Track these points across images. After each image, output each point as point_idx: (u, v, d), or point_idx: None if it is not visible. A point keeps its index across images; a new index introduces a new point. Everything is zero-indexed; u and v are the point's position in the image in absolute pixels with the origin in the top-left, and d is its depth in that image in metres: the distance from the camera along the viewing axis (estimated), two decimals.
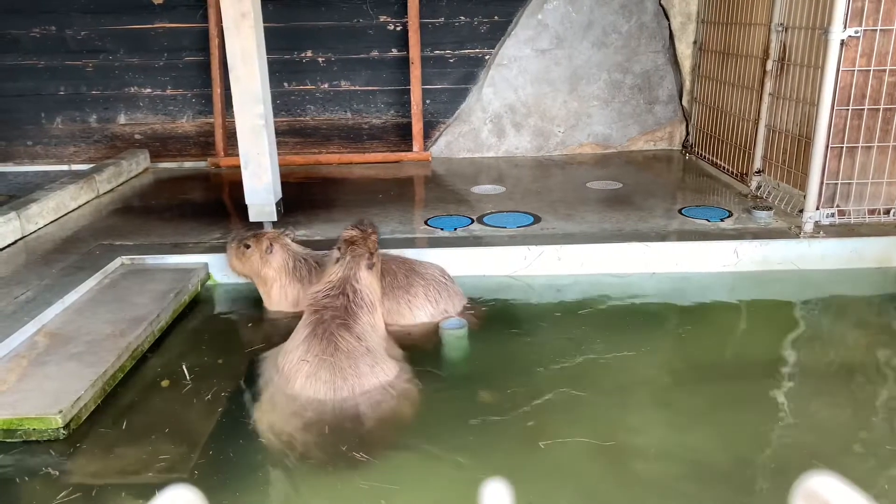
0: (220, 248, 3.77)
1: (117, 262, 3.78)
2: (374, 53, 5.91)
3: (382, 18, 5.82)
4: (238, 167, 4.19)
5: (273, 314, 3.48)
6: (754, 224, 4.07)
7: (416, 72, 5.82)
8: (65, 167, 6.02)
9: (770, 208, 4.16)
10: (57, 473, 2.32)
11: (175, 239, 4.10)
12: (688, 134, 6.01)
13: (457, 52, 5.90)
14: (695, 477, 2.27)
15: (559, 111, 6.02)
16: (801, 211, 3.93)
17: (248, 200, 4.07)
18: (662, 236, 3.94)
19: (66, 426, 2.48)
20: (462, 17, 5.82)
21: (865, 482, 2.22)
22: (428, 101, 5.99)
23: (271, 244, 3.46)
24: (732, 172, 5.04)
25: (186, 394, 2.77)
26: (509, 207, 4.55)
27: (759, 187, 4.62)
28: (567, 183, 5.17)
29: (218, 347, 3.16)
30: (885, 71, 3.75)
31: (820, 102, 3.72)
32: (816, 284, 3.70)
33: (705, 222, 4.14)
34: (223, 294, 3.75)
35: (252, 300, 3.60)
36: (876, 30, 3.67)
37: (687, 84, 5.88)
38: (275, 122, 4.29)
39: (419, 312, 3.31)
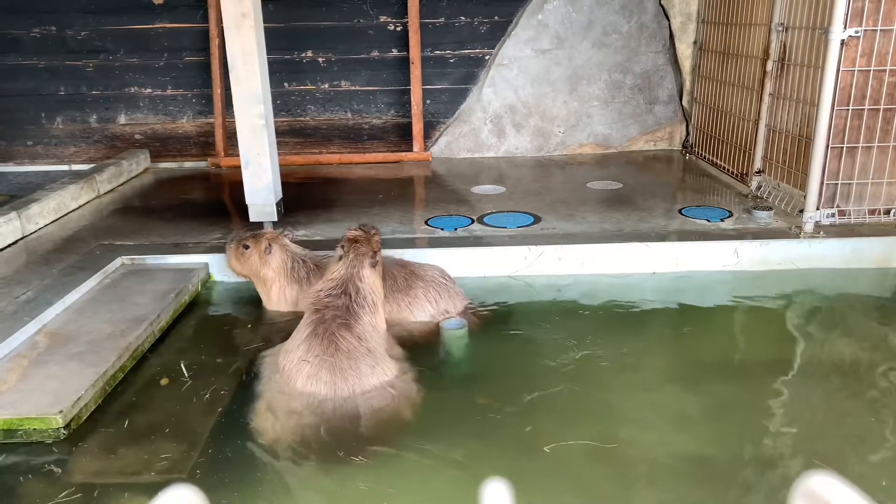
0: (220, 249, 3.77)
1: (118, 262, 3.78)
2: (375, 53, 5.91)
3: (383, 18, 5.82)
4: (238, 167, 4.19)
5: (273, 314, 3.48)
6: (754, 224, 4.07)
7: (416, 72, 5.82)
8: (65, 167, 6.03)
9: (770, 208, 4.16)
10: (57, 473, 2.32)
11: (175, 239, 4.10)
12: (688, 134, 6.01)
13: (457, 52, 5.90)
14: (695, 477, 2.27)
15: (559, 111, 6.02)
16: (802, 211, 3.93)
17: (248, 200, 4.07)
18: (663, 236, 3.94)
19: (67, 426, 2.49)
20: (462, 18, 5.83)
21: (865, 482, 2.22)
22: (428, 102, 5.99)
23: (270, 244, 3.46)
24: (733, 172, 5.04)
25: (187, 393, 2.77)
26: (509, 207, 4.56)
27: (759, 187, 4.62)
28: (567, 183, 5.17)
29: (218, 347, 3.16)
30: (885, 71, 3.75)
31: (820, 102, 3.72)
32: (816, 284, 3.70)
33: (705, 222, 4.14)
34: (223, 294, 3.75)
35: (252, 300, 3.60)
36: (876, 30, 3.68)
37: (687, 84, 5.88)
38: (275, 122, 4.30)
39: (420, 314, 3.31)
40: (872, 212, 4.00)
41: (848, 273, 3.78)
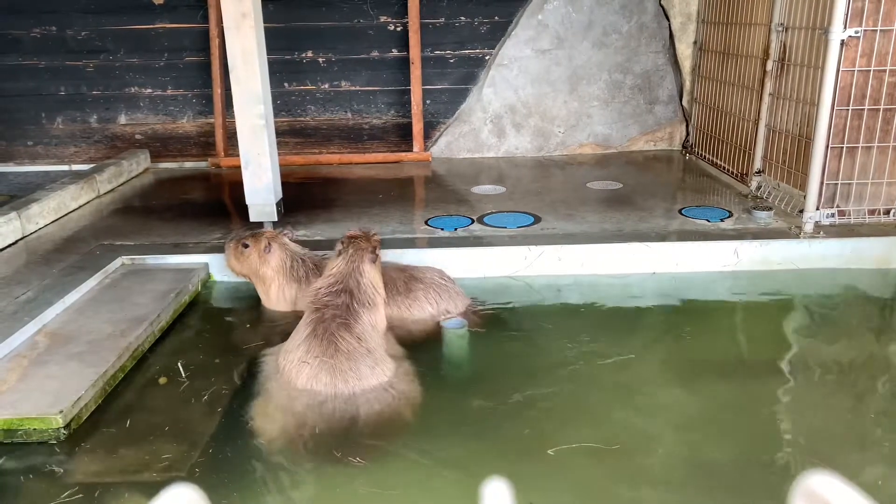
0: (220, 249, 3.77)
1: (118, 262, 3.78)
2: (375, 54, 5.91)
3: (383, 19, 5.82)
4: (238, 167, 4.19)
5: (273, 314, 3.48)
6: (754, 224, 4.07)
7: (416, 72, 5.82)
8: (65, 167, 6.03)
9: (770, 208, 4.16)
10: (58, 473, 2.32)
11: (175, 239, 4.10)
12: (688, 134, 6.01)
13: (457, 52, 5.91)
14: (695, 477, 2.27)
15: (559, 111, 6.03)
16: (802, 211, 3.93)
17: (248, 200, 4.07)
18: (663, 236, 3.94)
19: (67, 426, 2.49)
20: (462, 18, 5.83)
21: (865, 481, 2.22)
22: (428, 102, 5.99)
23: (269, 243, 3.46)
24: (732, 173, 5.04)
25: (187, 393, 2.77)
26: (509, 207, 4.56)
27: (759, 187, 4.62)
28: (567, 183, 5.17)
29: (218, 347, 3.16)
30: (885, 71, 3.75)
31: (820, 102, 3.72)
32: (816, 285, 3.70)
33: (705, 222, 4.14)
34: (223, 294, 3.75)
35: (252, 300, 3.60)
36: (876, 30, 3.68)
37: (687, 84, 5.88)
38: (275, 123, 4.30)
39: (421, 315, 3.31)
40: (872, 212, 4.00)
41: (848, 273, 3.78)
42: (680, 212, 4.37)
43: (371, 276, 3.05)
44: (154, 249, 3.93)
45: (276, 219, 4.08)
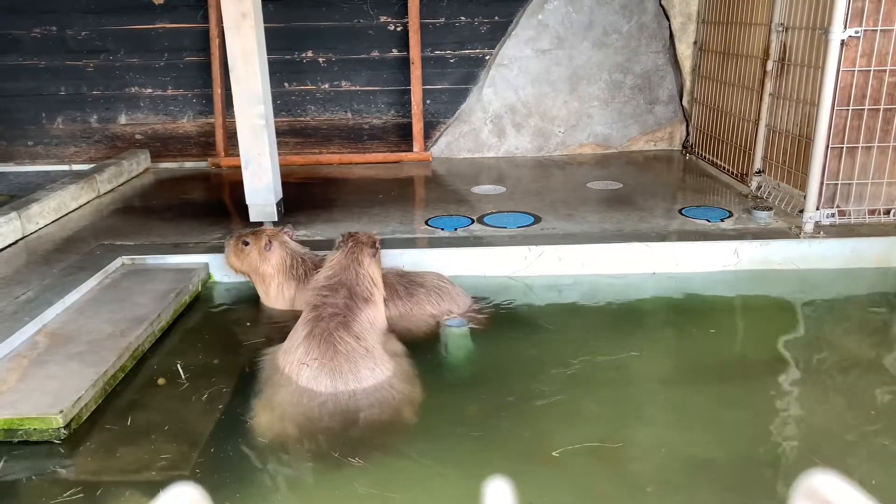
0: (220, 248, 3.77)
1: (118, 261, 3.78)
2: (375, 54, 5.91)
3: (383, 19, 5.82)
4: (239, 167, 4.19)
5: (273, 313, 3.48)
6: (754, 224, 4.07)
7: (416, 72, 5.82)
8: (65, 167, 6.03)
9: (770, 208, 4.16)
10: (58, 473, 2.32)
11: (176, 239, 4.10)
12: (688, 134, 6.01)
13: (457, 52, 5.91)
14: (696, 477, 2.27)
15: (559, 111, 6.03)
16: (802, 211, 3.93)
17: (248, 200, 4.08)
18: (663, 236, 3.94)
19: (67, 426, 2.49)
20: (462, 18, 5.83)
21: (865, 481, 2.22)
22: (428, 102, 5.99)
23: (270, 241, 3.46)
24: (733, 173, 5.04)
25: (187, 393, 2.77)
26: (510, 207, 4.56)
27: (759, 187, 4.62)
28: (567, 183, 5.17)
29: (218, 347, 3.16)
30: (885, 71, 3.75)
31: (820, 103, 3.72)
32: (816, 285, 3.70)
33: (706, 222, 4.14)
34: (224, 294, 3.75)
35: (252, 300, 3.60)
36: (876, 30, 3.68)
37: (687, 84, 5.88)
38: (275, 123, 4.30)
39: (424, 317, 3.32)
40: (872, 212, 4.00)
41: (848, 273, 3.78)
42: (680, 212, 4.37)
43: (370, 270, 3.04)
44: (154, 249, 3.93)
45: (276, 219, 4.08)
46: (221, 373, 2.91)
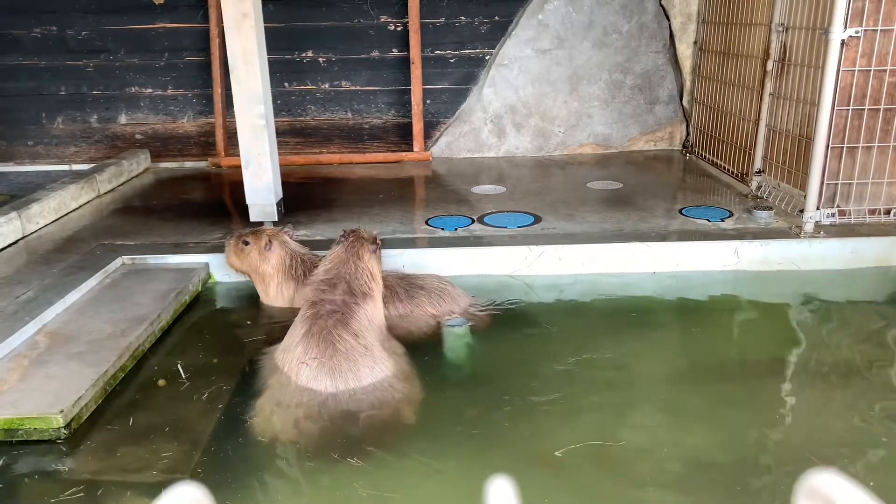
0: (220, 248, 3.77)
1: (118, 261, 3.78)
2: (375, 53, 5.91)
3: (383, 19, 5.82)
4: (239, 167, 4.20)
5: (273, 313, 3.48)
6: (755, 224, 4.07)
7: (416, 72, 5.82)
8: (66, 167, 6.03)
9: (770, 208, 4.16)
10: (59, 473, 2.32)
11: (176, 239, 4.10)
12: (688, 134, 6.01)
13: (457, 52, 5.91)
14: (697, 477, 2.27)
15: (560, 111, 6.03)
16: (802, 211, 3.93)
17: (248, 200, 4.08)
18: (663, 236, 3.94)
19: (68, 426, 2.49)
20: (463, 18, 5.83)
21: (865, 481, 2.22)
22: (428, 101, 5.99)
23: (270, 241, 3.46)
24: (733, 172, 5.04)
25: (188, 393, 2.77)
26: (510, 207, 4.56)
27: (759, 187, 4.62)
28: (567, 183, 5.17)
29: (219, 347, 3.16)
30: (885, 71, 3.75)
31: (820, 102, 3.72)
32: (817, 284, 3.70)
33: (706, 222, 4.14)
34: (224, 294, 3.75)
35: (253, 299, 3.61)
36: (876, 30, 3.68)
37: (687, 84, 5.88)
38: (275, 122, 4.30)
39: (426, 319, 3.32)
40: (873, 212, 4.00)
41: (848, 273, 3.78)
42: (680, 212, 4.37)
43: (369, 264, 3.04)
44: (154, 249, 3.93)
45: (276, 219, 4.08)
46: (222, 372, 2.91)
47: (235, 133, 3.98)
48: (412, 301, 3.34)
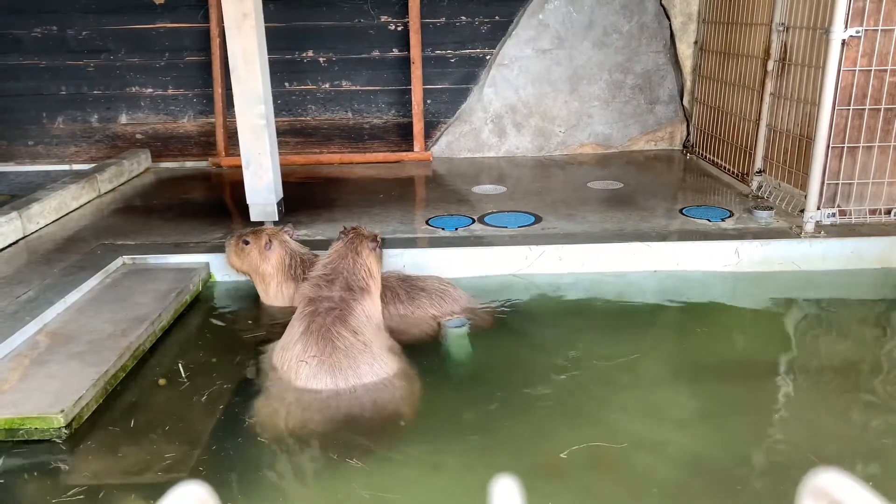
0: (221, 248, 3.77)
1: (119, 261, 3.78)
2: (376, 53, 5.91)
3: (383, 18, 5.82)
4: (239, 167, 4.20)
5: (274, 313, 3.48)
6: (755, 224, 4.07)
7: (417, 72, 5.82)
8: (66, 167, 6.03)
9: (771, 208, 4.16)
10: (59, 473, 2.32)
11: (176, 238, 4.10)
12: (689, 134, 6.01)
13: (458, 51, 5.90)
14: (696, 477, 2.27)
15: (560, 111, 6.03)
16: (802, 211, 3.93)
17: (249, 200, 4.08)
18: (663, 236, 3.94)
19: (68, 425, 2.49)
20: (463, 17, 5.83)
21: (865, 481, 2.22)
22: (429, 101, 5.99)
23: (270, 240, 3.46)
24: (733, 172, 5.04)
25: (188, 392, 2.77)
26: (510, 207, 4.56)
27: (759, 187, 4.62)
28: (568, 183, 5.17)
29: (219, 346, 3.16)
30: (886, 71, 3.75)
31: (821, 102, 3.72)
32: (817, 284, 3.71)
33: (706, 222, 4.14)
34: (224, 293, 3.75)
35: (253, 299, 3.61)
36: (877, 30, 3.68)
37: (688, 84, 5.88)
38: (276, 122, 4.30)
39: (427, 320, 3.32)
40: (873, 212, 4.00)
41: (848, 273, 3.78)
42: (681, 211, 4.37)
43: (367, 260, 3.04)
44: (155, 249, 3.93)
45: (276, 218, 4.08)
46: (222, 372, 2.91)
47: (236, 133, 3.98)
48: (413, 302, 3.34)
